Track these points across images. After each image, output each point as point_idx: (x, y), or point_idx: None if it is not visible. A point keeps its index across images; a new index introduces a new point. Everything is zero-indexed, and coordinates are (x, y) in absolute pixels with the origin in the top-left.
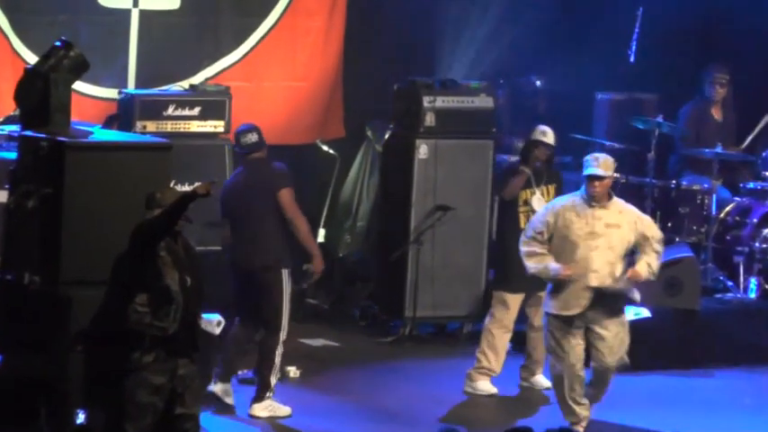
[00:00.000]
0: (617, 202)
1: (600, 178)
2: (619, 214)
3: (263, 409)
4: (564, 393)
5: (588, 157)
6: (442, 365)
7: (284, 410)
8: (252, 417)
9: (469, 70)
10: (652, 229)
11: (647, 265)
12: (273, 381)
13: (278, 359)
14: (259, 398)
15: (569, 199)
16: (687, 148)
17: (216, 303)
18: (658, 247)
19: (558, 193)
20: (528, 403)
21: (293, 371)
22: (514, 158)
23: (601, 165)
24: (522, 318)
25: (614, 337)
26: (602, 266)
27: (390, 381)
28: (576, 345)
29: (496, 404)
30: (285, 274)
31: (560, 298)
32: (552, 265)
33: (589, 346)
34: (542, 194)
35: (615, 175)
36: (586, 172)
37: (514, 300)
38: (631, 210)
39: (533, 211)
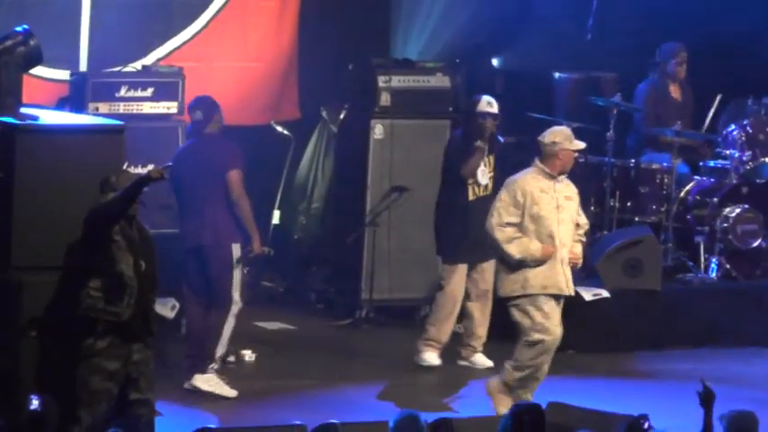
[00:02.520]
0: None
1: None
2: (568, 187)
3: (204, 381)
4: (544, 367)
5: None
6: (398, 348)
7: (228, 391)
8: (193, 387)
9: (426, 50)
10: (582, 215)
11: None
12: (218, 353)
13: (227, 332)
14: (201, 369)
15: (528, 175)
16: (647, 127)
17: (170, 287)
18: (584, 237)
19: (496, 160)
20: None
21: (248, 354)
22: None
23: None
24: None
25: None
26: (568, 239)
27: (347, 364)
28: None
29: (450, 387)
30: (235, 248)
31: (544, 276)
32: (533, 245)
33: None
34: (485, 165)
35: None
36: (574, 147)
37: (461, 270)
38: (571, 183)
39: (478, 183)
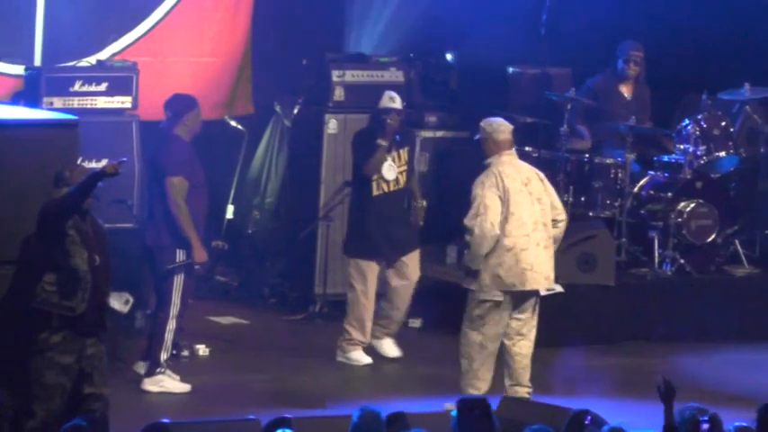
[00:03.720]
0: None
1: None
2: None
3: (152, 384)
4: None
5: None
6: None
7: (179, 386)
8: (143, 391)
9: (380, 45)
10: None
11: None
12: (163, 357)
13: (168, 336)
14: (149, 373)
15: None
16: (601, 122)
17: (125, 282)
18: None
19: (412, 153)
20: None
21: (202, 349)
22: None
23: None
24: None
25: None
26: None
27: (300, 358)
28: None
29: (401, 379)
30: (179, 253)
31: None
32: None
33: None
34: (393, 160)
35: None
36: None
37: (371, 267)
38: None
39: (384, 180)
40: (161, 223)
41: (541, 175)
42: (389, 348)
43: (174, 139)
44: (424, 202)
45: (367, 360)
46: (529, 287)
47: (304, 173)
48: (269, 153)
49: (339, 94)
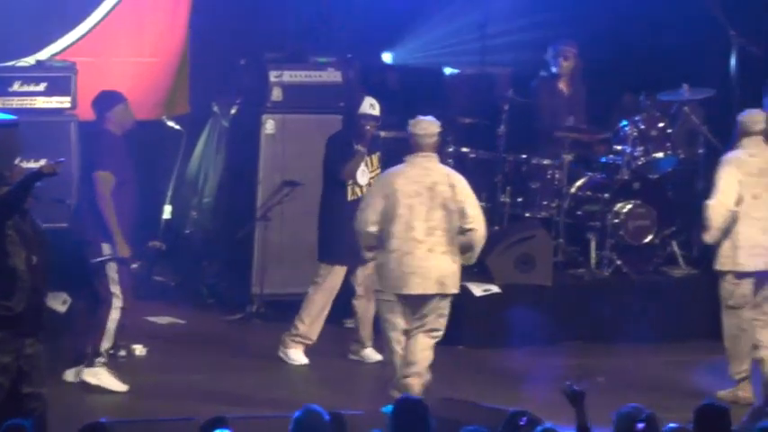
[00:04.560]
0: None
1: None
2: None
3: (92, 375)
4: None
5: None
6: None
7: (117, 384)
8: (81, 381)
9: (318, 45)
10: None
11: None
12: (104, 346)
13: (111, 325)
14: (89, 363)
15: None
16: (539, 122)
17: (63, 282)
18: None
19: (382, 160)
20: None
21: (139, 349)
22: None
23: None
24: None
25: None
26: None
27: (238, 359)
28: None
29: (342, 381)
30: (105, 247)
31: None
32: None
33: None
34: (366, 165)
35: None
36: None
37: (339, 271)
38: None
39: (358, 185)
40: (88, 217)
41: (456, 180)
42: (372, 354)
43: (102, 134)
44: None
45: (304, 361)
46: (413, 291)
47: (242, 173)
48: (207, 153)
49: (277, 94)
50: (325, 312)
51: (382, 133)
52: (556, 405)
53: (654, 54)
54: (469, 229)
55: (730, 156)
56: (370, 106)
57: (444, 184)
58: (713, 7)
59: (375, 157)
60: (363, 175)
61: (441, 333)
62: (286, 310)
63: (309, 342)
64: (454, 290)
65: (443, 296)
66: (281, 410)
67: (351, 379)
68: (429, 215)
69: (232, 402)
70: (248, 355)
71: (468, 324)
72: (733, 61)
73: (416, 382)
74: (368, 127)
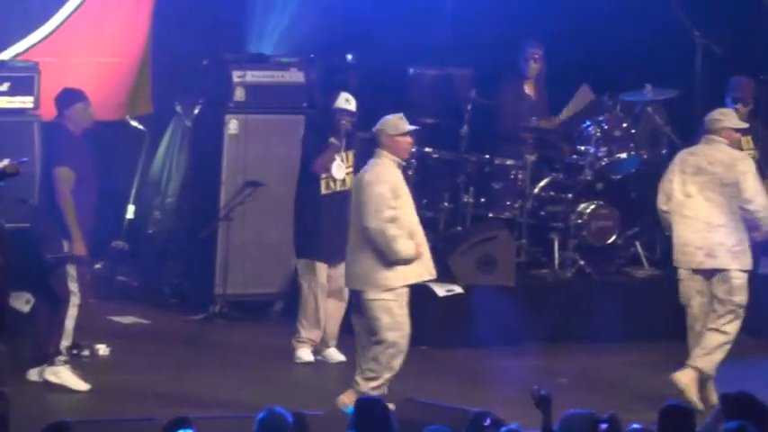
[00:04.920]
0: None
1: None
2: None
3: (53, 374)
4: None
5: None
6: (252, 343)
7: (79, 384)
8: (43, 380)
9: (281, 45)
10: None
11: None
12: (64, 344)
13: (69, 323)
14: (50, 362)
15: (386, 168)
16: (503, 123)
17: (26, 282)
18: None
19: (357, 156)
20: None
21: (103, 348)
22: None
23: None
24: None
25: None
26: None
27: (201, 359)
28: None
29: (304, 382)
30: (65, 243)
31: (417, 264)
32: (410, 245)
33: None
34: (342, 161)
35: None
36: (407, 129)
37: (320, 267)
38: None
39: (333, 179)
40: (47, 213)
41: (366, 181)
42: (335, 355)
43: (62, 132)
44: None
45: (310, 358)
46: (348, 286)
47: (205, 173)
48: (170, 153)
49: (240, 94)
50: (322, 310)
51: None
52: (519, 406)
53: (617, 54)
54: (365, 228)
55: (677, 154)
56: (346, 101)
57: (359, 186)
58: (676, 8)
59: (350, 154)
60: (340, 169)
61: None
62: (249, 310)
63: (315, 342)
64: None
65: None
66: (244, 411)
67: (314, 379)
68: (353, 215)
69: (195, 402)
70: (211, 356)
71: (431, 324)
72: (696, 61)
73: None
74: (343, 121)
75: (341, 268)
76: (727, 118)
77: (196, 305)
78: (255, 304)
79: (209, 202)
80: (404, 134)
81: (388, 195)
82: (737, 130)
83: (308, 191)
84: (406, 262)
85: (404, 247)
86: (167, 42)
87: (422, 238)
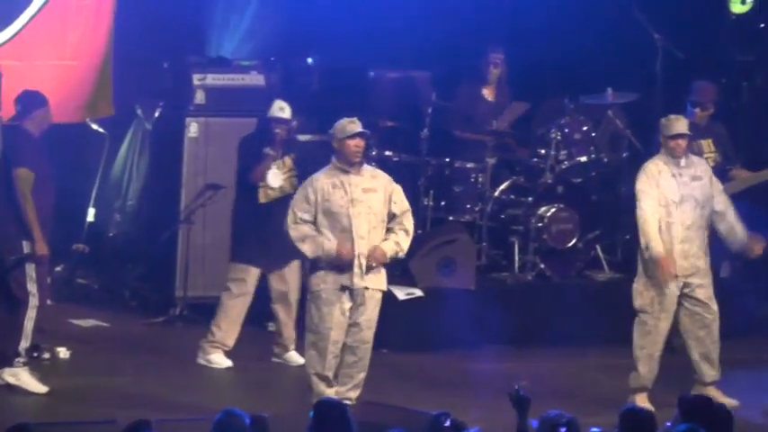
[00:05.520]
0: (368, 167)
1: (364, 135)
2: (373, 179)
3: (12, 375)
4: (318, 371)
5: (346, 121)
6: None
7: (37, 386)
8: (3, 382)
9: (241, 48)
10: (403, 204)
11: (396, 243)
12: (23, 345)
13: (28, 324)
14: (8, 363)
15: (322, 173)
16: (463, 126)
17: None
18: (408, 225)
19: (296, 161)
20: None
21: (63, 351)
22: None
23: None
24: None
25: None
26: (366, 232)
27: (161, 361)
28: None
29: (265, 385)
30: (26, 245)
31: (337, 269)
32: (327, 244)
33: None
34: (278, 168)
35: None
36: (355, 131)
37: (252, 272)
38: (383, 174)
39: (270, 187)
40: (7, 214)
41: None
42: (295, 357)
43: (22, 133)
44: None
45: (227, 363)
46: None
47: (165, 176)
48: (130, 156)
49: (200, 97)
50: (242, 317)
51: (301, 136)
52: (479, 409)
53: (578, 57)
54: None
55: None
56: (280, 109)
57: None
58: (637, 11)
59: (289, 159)
60: (275, 177)
61: None
62: (209, 312)
63: (226, 348)
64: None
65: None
66: (204, 413)
67: (273, 382)
68: None
69: (155, 405)
70: (171, 358)
71: (392, 327)
72: (657, 65)
73: None
74: (277, 130)
75: (284, 273)
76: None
77: (156, 308)
78: (215, 307)
79: (169, 204)
80: (351, 137)
81: (302, 198)
82: (684, 135)
83: (245, 199)
84: (331, 263)
85: (308, 247)
86: (128, 45)
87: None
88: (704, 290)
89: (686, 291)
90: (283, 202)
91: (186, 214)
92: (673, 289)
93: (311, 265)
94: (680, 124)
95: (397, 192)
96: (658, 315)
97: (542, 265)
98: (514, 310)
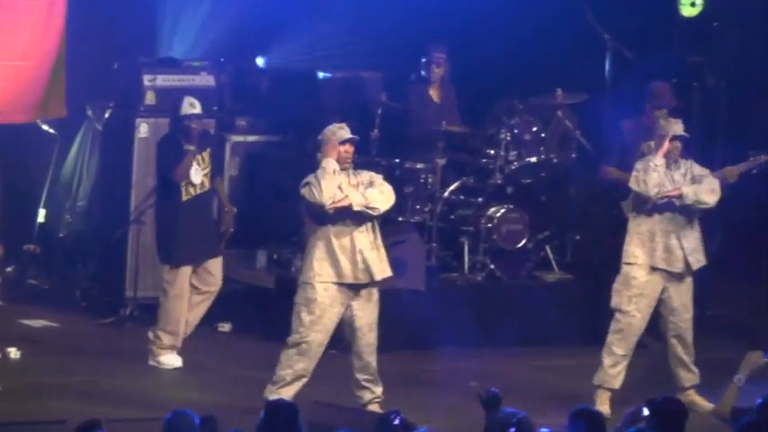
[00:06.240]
0: (352, 171)
1: (354, 141)
2: (358, 177)
3: None
4: (305, 371)
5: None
6: None
7: None
8: None
9: (192, 49)
10: (382, 180)
11: (363, 196)
12: None
13: None
14: None
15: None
16: (411, 127)
17: None
18: (382, 188)
19: (215, 153)
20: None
21: (14, 352)
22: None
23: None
24: None
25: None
26: (365, 228)
27: (111, 361)
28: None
29: (212, 382)
30: None
31: (336, 266)
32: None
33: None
34: (198, 164)
35: None
36: (345, 137)
37: (184, 271)
38: (365, 171)
39: (191, 183)
40: None
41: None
42: (174, 360)
43: None
44: (234, 209)
45: (177, 363)
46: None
47: (115, 176)
48: (81, 157)
49: (150, 98)
50: (184, 315)
51: (250, 137)
52: (429, 410)
53: (527, 58)
54: None
55: None
56: (190, 105)
57: None
58: (587, 11)
59: (206, 154)
60: (197, 173)
61: None
62: None
63: (177, 347)
64: None
65: None
66: (155, 413)
67: (225, 381)
68: None
69: (106, 405)
70: (121, 358)
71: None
72: (607, 65)
73: None
74: (193, 125)
75: (209, 265)
76: None
77: (107, 308)
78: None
79: (119, 205)
80: (342, 143)
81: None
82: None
83: (169, 200)
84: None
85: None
86: (79, 46)
87: None
88: (680, 296)
89: (663, 296)
90: (203, 199)
91: (136, 215)
92: (653, 285)
93: (305, 260)
94: (678, 127)
95: (378, 176)
96: (633, 314)
97: (492, 266)
98: (465, 310)
